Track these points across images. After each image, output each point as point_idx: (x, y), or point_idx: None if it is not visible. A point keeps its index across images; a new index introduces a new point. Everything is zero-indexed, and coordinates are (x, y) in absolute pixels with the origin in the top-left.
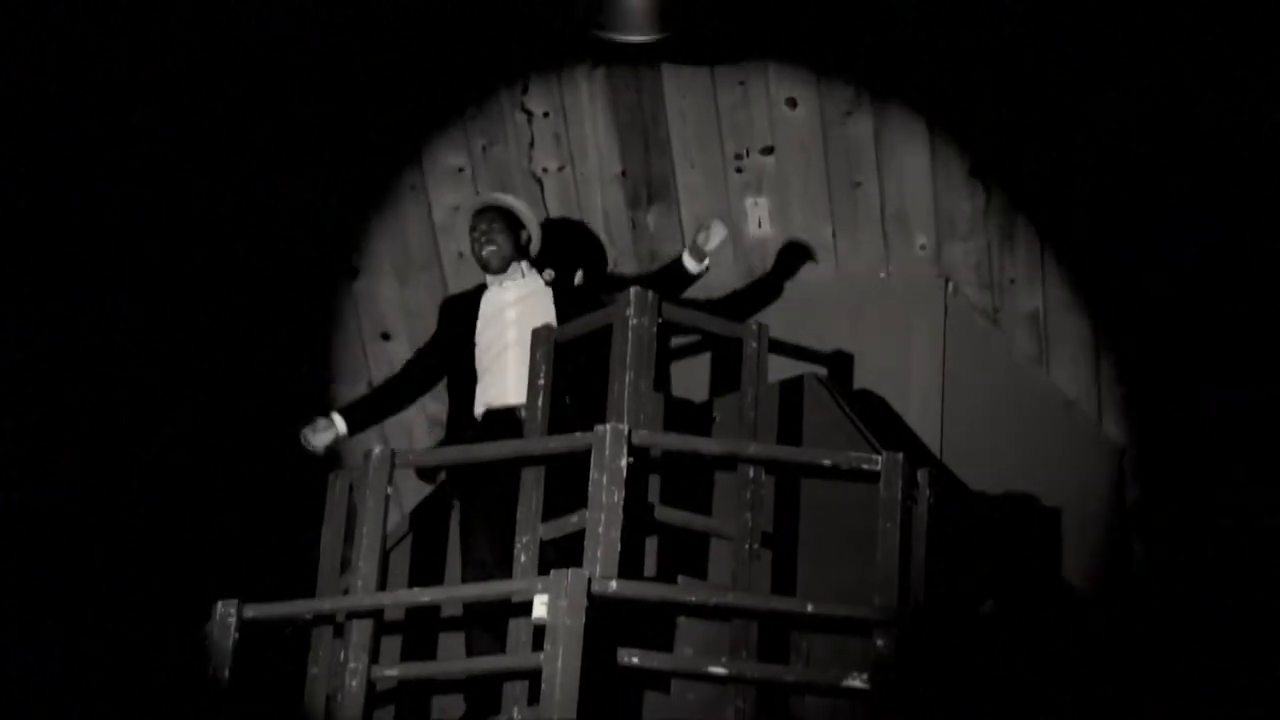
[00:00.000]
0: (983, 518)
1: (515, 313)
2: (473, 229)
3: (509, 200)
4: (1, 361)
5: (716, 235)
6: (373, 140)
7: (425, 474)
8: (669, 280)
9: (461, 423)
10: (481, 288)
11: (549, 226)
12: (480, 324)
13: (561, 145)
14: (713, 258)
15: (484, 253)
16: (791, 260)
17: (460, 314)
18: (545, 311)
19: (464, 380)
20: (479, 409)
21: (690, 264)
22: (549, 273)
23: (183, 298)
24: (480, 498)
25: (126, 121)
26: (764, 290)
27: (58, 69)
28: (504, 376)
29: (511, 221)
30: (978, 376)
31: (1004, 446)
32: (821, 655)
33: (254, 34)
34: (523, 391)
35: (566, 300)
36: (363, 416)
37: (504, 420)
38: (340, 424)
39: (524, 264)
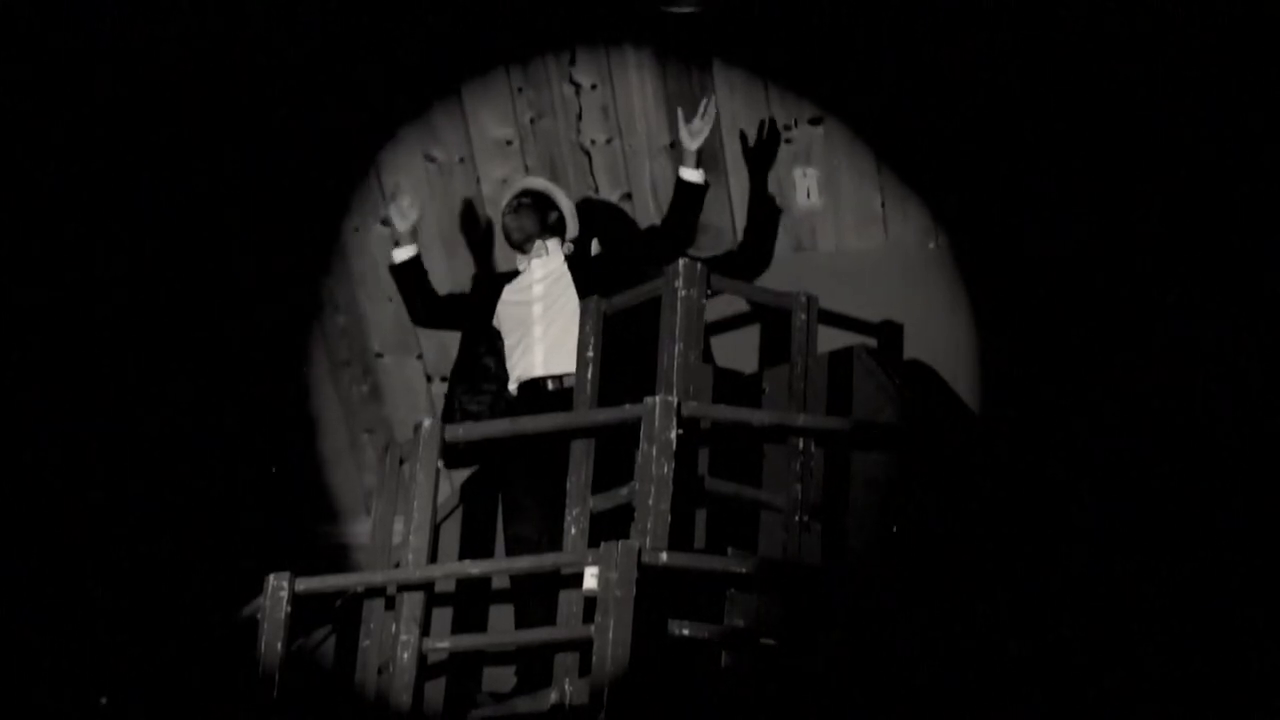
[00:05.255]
0: (1034, 485)
1: (541, 289)
2: (506, 205)
3: (543, 184)
4: (34, 322)
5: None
6: (419, 112)
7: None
8: (682, 204)
9: (468, 383)
10: (516, 272)
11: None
12: (507, 295)
13: (609, 117)
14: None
15: (506, 226)
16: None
17: (487, 288)
18: (567, 288)
19: (470, 348)
20: (513, 385)
21: (688, 173)
22: (568, 245)
23: (228, 272)
24: (523, 471)
25: (159, 82)
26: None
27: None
28: (531, 351)
29: (543, 202)
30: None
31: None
32: (872, 625)
33: (304, 7)
34: (549, 363)
35: (584, 271)
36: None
37: (535, 392)
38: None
39: (549, 242)
